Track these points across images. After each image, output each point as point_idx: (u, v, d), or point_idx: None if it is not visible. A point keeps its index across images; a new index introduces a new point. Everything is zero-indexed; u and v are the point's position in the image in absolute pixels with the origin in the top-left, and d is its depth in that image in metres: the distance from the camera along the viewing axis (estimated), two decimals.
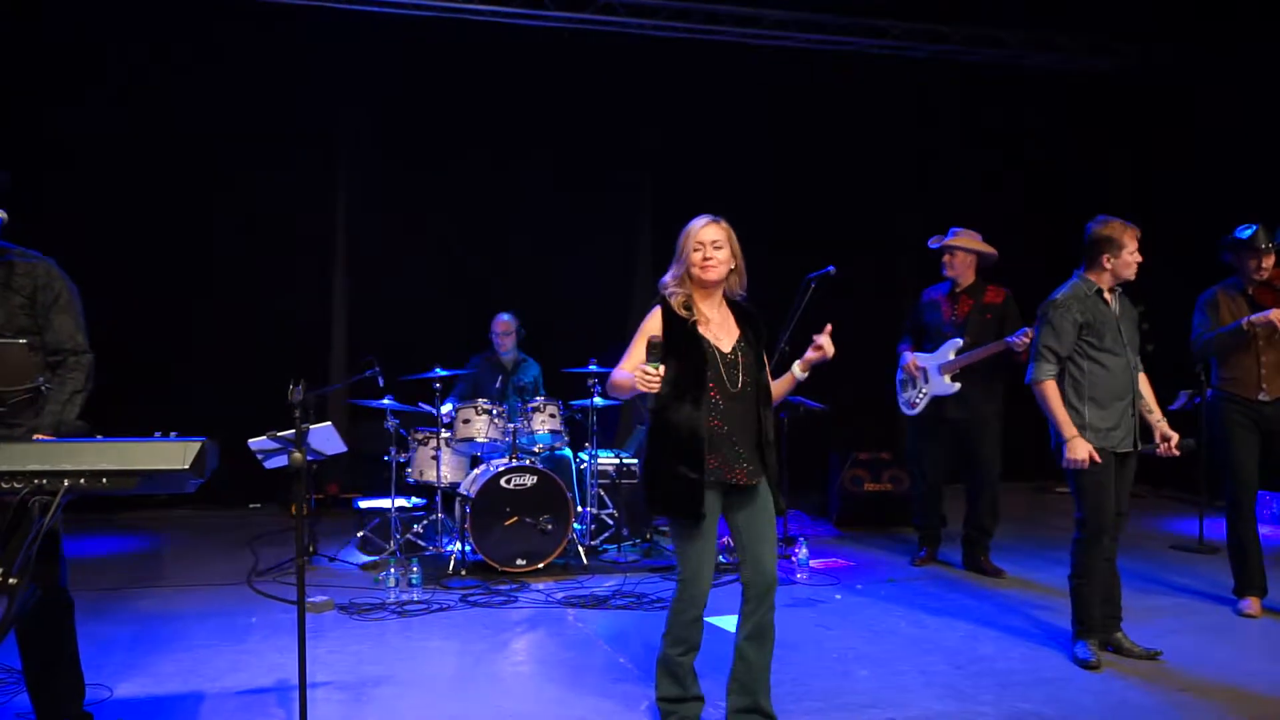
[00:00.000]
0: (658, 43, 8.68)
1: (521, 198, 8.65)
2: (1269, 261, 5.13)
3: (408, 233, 8.45)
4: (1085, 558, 4.58)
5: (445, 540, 6.47)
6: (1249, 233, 5.15)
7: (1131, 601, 5.49)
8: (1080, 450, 4.43)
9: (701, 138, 8.95)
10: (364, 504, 6.80)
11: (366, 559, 6.33)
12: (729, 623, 5.01)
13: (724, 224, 3.59)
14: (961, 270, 6.41)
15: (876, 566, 6.47)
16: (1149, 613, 5.37)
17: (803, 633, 4.97)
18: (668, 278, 3.62)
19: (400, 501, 6.62)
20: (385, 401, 6.28)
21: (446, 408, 6.50)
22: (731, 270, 3.59)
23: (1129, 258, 4.58)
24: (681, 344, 3.48)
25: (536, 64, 8.52)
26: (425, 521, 6.59)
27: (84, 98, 7.63)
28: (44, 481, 2.76)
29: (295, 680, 4.17)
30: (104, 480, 2.81)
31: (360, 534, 6.64)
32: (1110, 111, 9.77)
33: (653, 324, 3.53)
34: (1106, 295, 4.62)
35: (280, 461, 3.99)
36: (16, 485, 2.75)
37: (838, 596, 5.75)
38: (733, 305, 3.67)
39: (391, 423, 6.37)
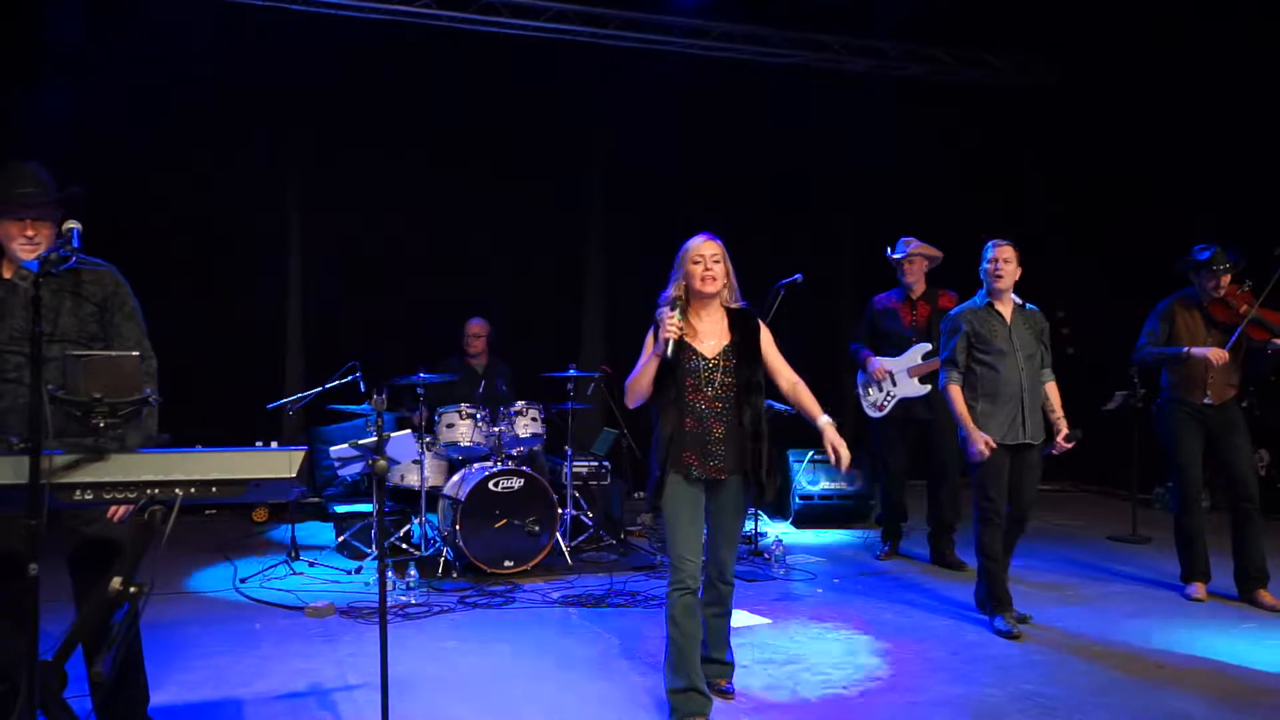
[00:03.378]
0: (610, 51, 8.85)
1: (477, 203, 8.70)
2: (1225, 281, 5.60)
3: (361, 236, 8.40)
4: (987, 540, 5.14)
5: (428, 543, 6.51)
6: (1208, 254, 5.61)
7: (1085, 589, 5.99)
8: (978, 442, 5.03)
9: (653, 145, 9.15)
10: (341, 509, 6.78)
11: (350, 564, 6.34)
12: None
13: (719, 242, 3.97)
14: (918, 277, 6.79)
15: (844, 562, 6.77)
16: (1104, 599, 5.80)
17: (800, 625, 5.23)
18: (669, 290, 3.96)
19: (370, 507, 6.64)
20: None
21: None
22: (724, 285, 3.97)
23: (988, 268, 5.22)
24: (673, 355, 3.84)
25: (492, 69, 8.60)
26: (408, 526, 6.61)
27: (39, 84, 7.38)
28: (157, 491, 2.80)
29: (327, 684, 4.30)
30: (214, 489, 2.86)
31: (340, 538, 6.64)
32: (1030, 123, 10.31)
33: (650, 339, 3.91)
34: (999, 307, 5.19)
35: (357, 469, 4.02)
36: (130, 495, 2.78)
37: (819, 590, 6.03)
38: (728, 311, 4.02)
39: (373, 428, 6.39)
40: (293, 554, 6.32)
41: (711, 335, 3.94)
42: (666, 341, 3.76)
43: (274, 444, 2.96)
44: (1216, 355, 5.54)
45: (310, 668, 4.52)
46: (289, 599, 5.60)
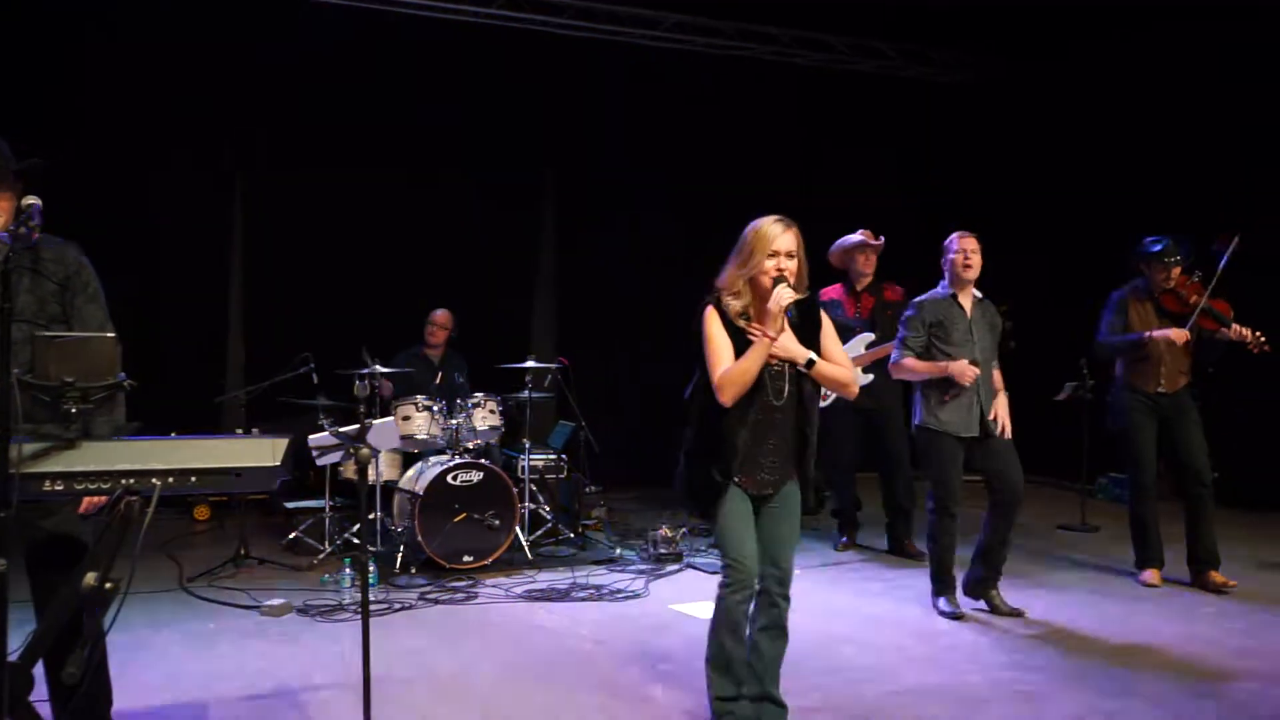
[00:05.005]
0: (561, 40, 8.74)
1: (424, 195, 8.52)
2: (1175, 272, 5.70)
3: (307, 229, 8.16)
4: (937, 526, 5.21)
5: (384, 539, 6.34)
6: (1159, 247, 5.71)
7: (1043, 577, 6.04)
8: (960, 366, 5.02)
9: (604, 135, 9.08)
10: (290, 505, 6.57)
11: (300, 560, 6.14)
12: (694, 609, 5.20)
13: (796, 228, 3.46)
14: (873, 267, 6.81)
15: (803, 554, 6.73)
16: (1063, 587, 5.87)
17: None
18: (725, 279, 3.50)
19: (321, 502, 6.45)
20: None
21: None
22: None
23: (954, 257, 5.18)
24: (736, 355, 3.43)
25: (440, 57, 8.42)
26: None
27: None
28: (132, 482, 2.64)
29: (293, 685, 4.14)
30: (193, 479, 2.71)
31: (291, 535, 6.43)
32: (971, 119, 10.44)
33: (717, 326, 3.46)
34: (961, 299, 5.20)
35: (334, 458, 3.85)
36: (104, 486, 2.62)
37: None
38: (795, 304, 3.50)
39: (326, 421, 6.19)
40: (242, 551, 6.10)
41: (786, 345, 3.45)
42: (786, 310, 3.33)
43: (255, 431, 2.82)
44: (1177, 334, 5.62)
45: (273, 668, 4.35)
46: (241, 598, 5.40)
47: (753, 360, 3.35)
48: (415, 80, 8.36)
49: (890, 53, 9.81)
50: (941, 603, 5.24)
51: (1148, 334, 5.71)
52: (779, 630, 3.63)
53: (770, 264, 3.38)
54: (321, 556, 6.14)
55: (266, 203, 8.13)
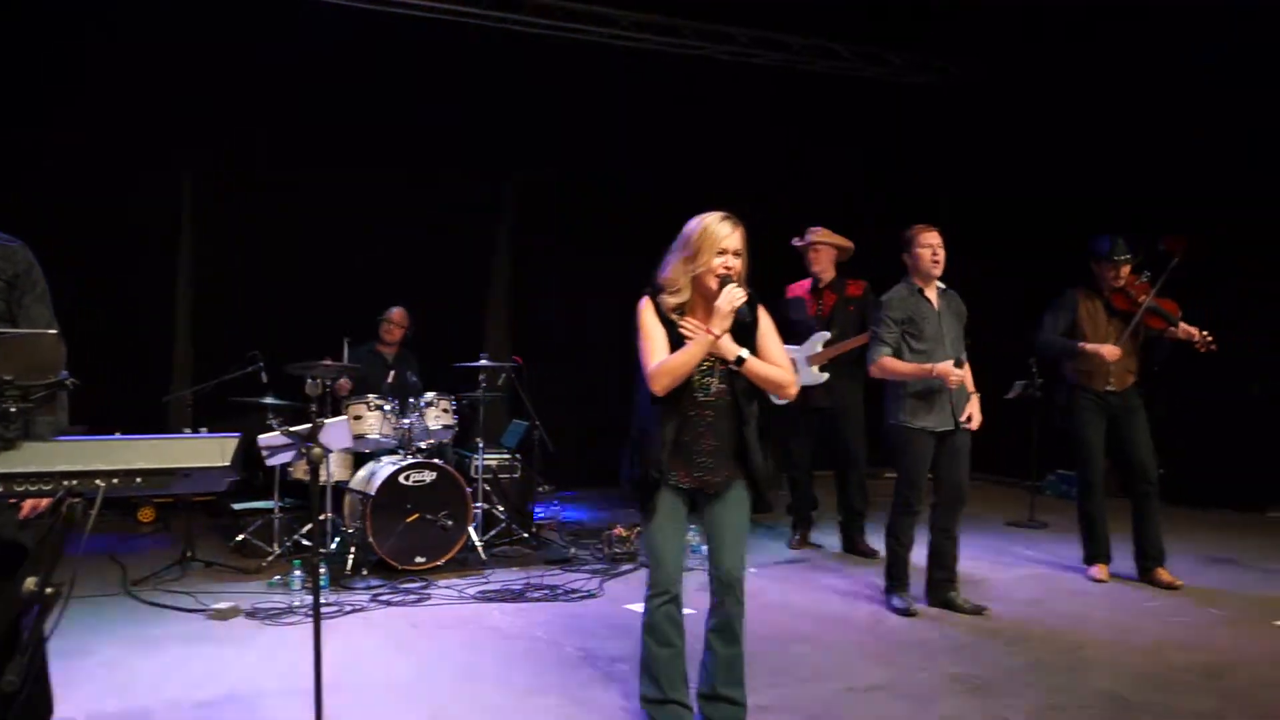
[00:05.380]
0: (518, 37, 8.68)
1: (377, 192, 8.42)
2: (1125, 271, 5.79)
3: (257, 226, 8.03)
4: (899, 523, 5.24)
5: (334, 540, 6.25)
6: (1108, 246, 5.79)
7: (993, 573, 6.12)
8: (945, 367, 5.00)
9: (560, 133, 9.02)
10: (238, 506, 6.46)
11: (248, 563, 6.04)
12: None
13: (742, 225, 3.43)
14: (825, 265, 6.83)
15: (757, 552, 6.75)
16: (1013, 582, 5.95)
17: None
18: (667, 273, 3.44)
19: (269, 504, 6.35)
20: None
21: None
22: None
23: (921, 252, 5.18)
24: (669, 350, 3.41)
25: (393, 55, 8.31)
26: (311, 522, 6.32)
27: None
28: (75, 483, 2.56)
29: (243, 689, 4.07)
30: (139, 480, 2.63)
31: (239, 537, 6.31)
32: (931, 120, 10.54)
33: (651, 317, 3.44)
34: (928, 293, 5.21)
35: (284, 458, 3.76)
36: (45, 488, 2.54)
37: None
38: None
39: (275, 420, 6.09)
40: (188, 554, 5.98)
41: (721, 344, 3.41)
42: (737, 309, 3.29)
43: (204, 430, 2.75)
44: (1110, 352, 5.72)
45: (221, 673, 4.26)
46: (188, 601, 5.29)
47: (692, 354, 3.34)
48: (367, 79, 8.24)
49: (846, 54, 9.87)
50: (895, 599, 5.27)
51: (1081, 346, 5.79)
52: (730, 634, 3.58)
53: (718, 262, 3.35)
54: (270, 559, 6.04)
55: (216, 199, 8.00)
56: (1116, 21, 8.56)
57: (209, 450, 2.71)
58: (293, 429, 3.68)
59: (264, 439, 3.70)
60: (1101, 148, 8.83)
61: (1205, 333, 5.66)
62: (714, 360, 3.44)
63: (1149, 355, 5.95)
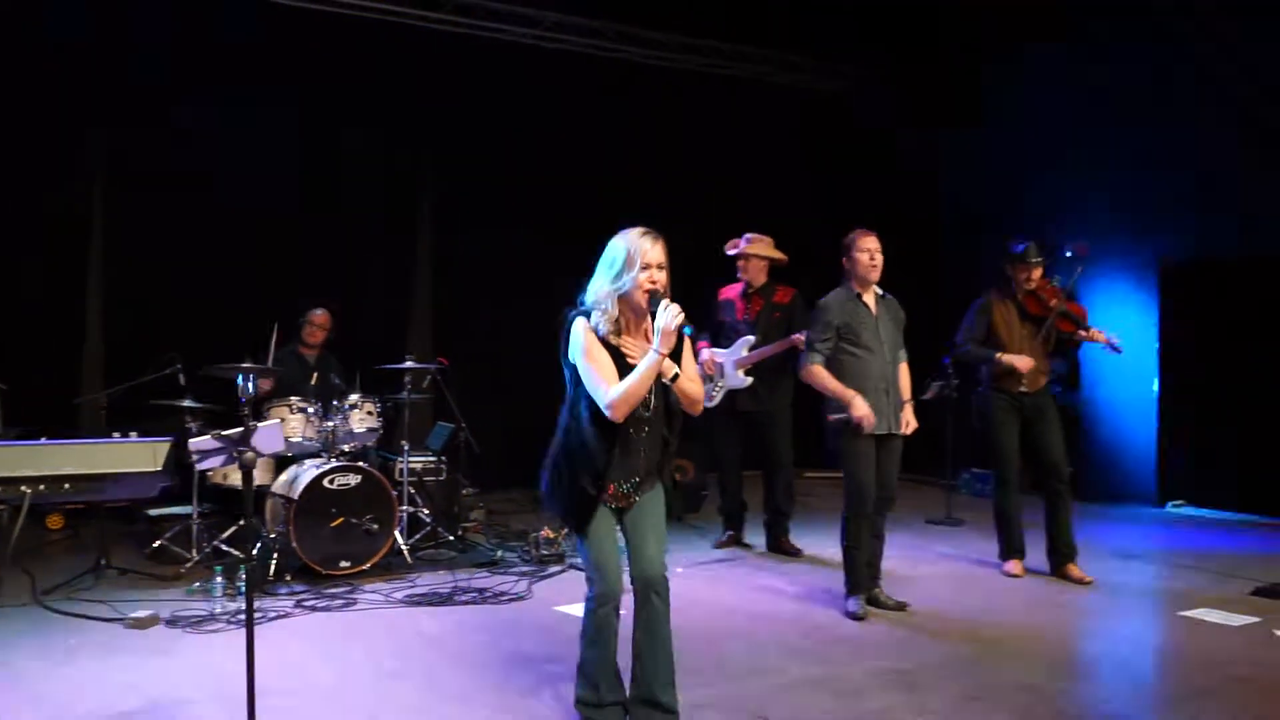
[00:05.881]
0: (440, 36, 8.62)
1: (297, 193, 8.27)
2: (1037, 274, 5.99)
3: (172, 224, 7.80)
4: (853, 526, 5.26)
5: (256, 545, 6.11)
6: (1022, 249, 5.98)
7: (912, 570, 6.26)
8: (862, 407, 5.04)
9: (484, 133, 8.98)
10: (154, 512, 6.28)
11: (166, 570, 5.88)
12: (578, 610, 5.19)
13: (663, 240, 3.47)
14: (755, 273, 6.91)
15: (684, 551, 6.81)
16: (933, 578, 6.12)
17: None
18: (598, 293, 3.46)
19: (187, 509, 6.19)
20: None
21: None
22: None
23: (859, 256, 5.22)
24: (617, 374, 3.42)
25: (313, 52, 8.18)
26: (234, 528, 6.17)
27: None
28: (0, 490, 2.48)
29: (165, 699, 3.98)
30: (67, 485, 2.57)
31: (156, 544, 6.14)
32: (843, 126, 10.74)
33: (594, 342, 3.42)
34: (866, 298, 5.28)
35: (215, 462, 3.65)
36: None
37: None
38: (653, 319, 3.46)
39: (194, 424, 5.95)
40: (102, 561, 5.80)
41: (642, 350, 3.43)
42: (682, 327, 3.30)
43: (133, 434, 2.69)
44: (1024, 363, 5.91)
45: (142, 683, 4.15)
46: (104, 610, 5.12)
47: (647, 377, 3.34)
48: (284, 77, 8.09)
49: (763, 59, 10.01)
50: (851, 603, 5.23)
51: (998, 356, 5.96)
52: (658, 633, 3.61)
53: (643, 277, 3.39)
54: (189, 565, 5.89)
55: (129, 197, 7.74)
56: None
57: (140, 454, 2.68)
58: (224, 433, 3.60)
59: (195, 443, 3.61)
60: (1016, 150, 9.11)
61: (1113, 335, 5.88)
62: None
63: (1059, 357, 6.16)
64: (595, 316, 3.45)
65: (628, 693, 3.67)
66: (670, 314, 3.32)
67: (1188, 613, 5.28)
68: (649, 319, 3.46)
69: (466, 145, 8.95)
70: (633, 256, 3.39)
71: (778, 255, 6.91)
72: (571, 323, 3.47)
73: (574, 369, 3.47)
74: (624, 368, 3.41)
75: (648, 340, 3.45)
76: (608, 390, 3.35)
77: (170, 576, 5.78)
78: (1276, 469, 7.28)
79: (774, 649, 4.70)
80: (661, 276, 3.41)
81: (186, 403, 5.87)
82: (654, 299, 3.37)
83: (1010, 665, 4.46)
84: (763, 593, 5.76)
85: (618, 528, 3.64)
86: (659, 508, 3.64)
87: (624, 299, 3.44)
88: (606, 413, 3.37)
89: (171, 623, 4.96)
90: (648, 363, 3.34)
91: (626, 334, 3.49)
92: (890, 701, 4.02)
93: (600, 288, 3.46)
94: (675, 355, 3.48)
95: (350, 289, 8.23)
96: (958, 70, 9.72)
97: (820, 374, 5.20)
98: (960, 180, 9.97)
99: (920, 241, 9.67)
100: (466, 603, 5.44)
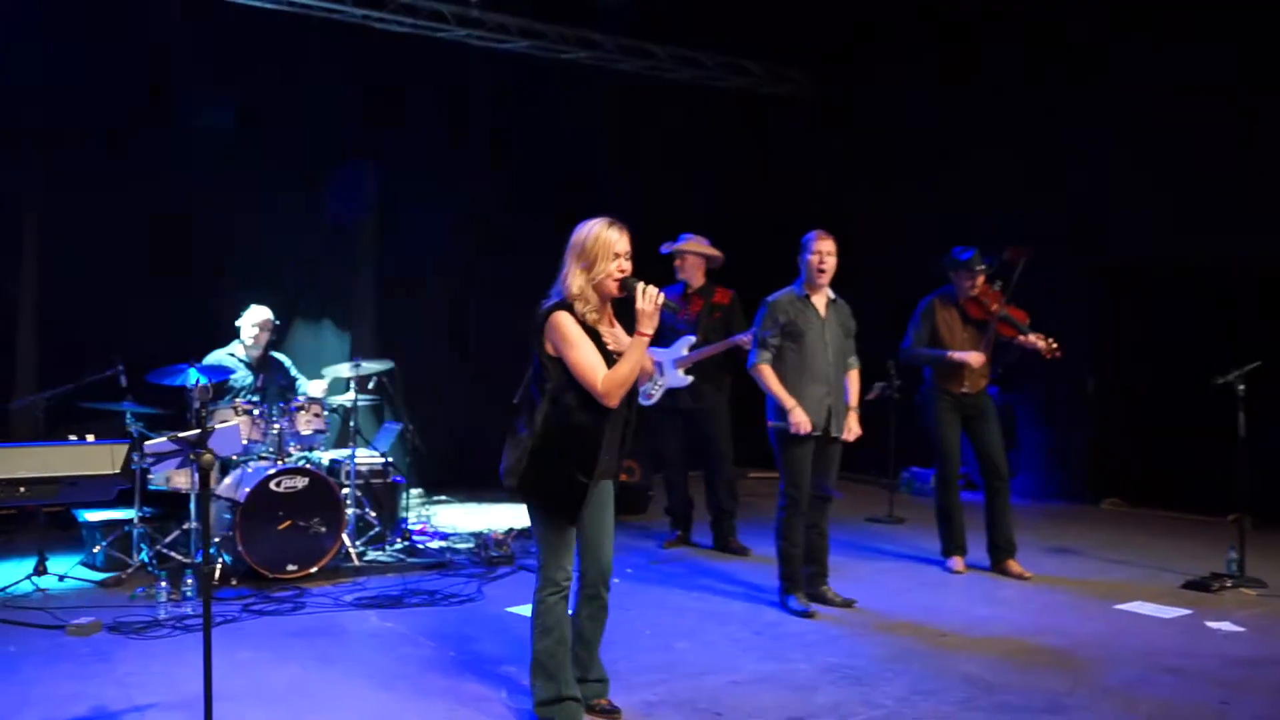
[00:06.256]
0: (382, 35, 8.55)
1: (240, 192, 8.14)
2: (980, 280, 6.13)
3: (111, 225, 7.62)
4: (788, 524, 5.34)
5: (199, 550, 6.02)
6: (967, 255, 6.11)
7: (857, 566, 6.38)
8: (799, 415, 5.14)
9: (427, 133, 8.94)
10: (91, 516, 6.14)
11: (107, 575, 5.76)
12: (529, 611, 5.20)
13: (626, 228, 3.63)
14: (692, 273, 6.98)
15: (633, 552, 6.85)
16: (878, 575, 6.23)
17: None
18: (572, 287, 3.58)
19: (127, 513, 6.08)
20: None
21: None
22: None
23: (810, 258, 5.32)
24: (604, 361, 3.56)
25: (260, 47, 8.08)
26: (178, 532, 6.06)
27: None
28: None
29: (112, 707, 3.93)
30: (22, 490, 2.53)
31: (95, 549, 6.01)
32: (798, 130, 10.85)
33: (579, 331, 3.54)
34: (815, 299, 5.36)
35: (171, 465, 3.57)
36: None
37: (616, 580, 6.06)
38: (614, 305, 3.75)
39: (135, 427, 5.83)
40: (40, 568, 5.67)
41: (622, 339, 3.67)
42: (660, 303, 3.51)
43: (90, 437, 2.66)
44: (975, 359, 6.05)
45: (88, 690, 4.07)
46: (43, 617, 5.01)
47: (636, 360, 3.53)
48: (236, 74, 7.97)
49: (708, 63, 10.09)
50: (792, 601, 5.32)
51: (949, 354, 6.10)
52: (603, 616, 3.87)
53: (614, 267, 3.57)
54: (131, 570, 5.78)
55: (66, 196, 7.55)
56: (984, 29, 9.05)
57: (98, 457, 2.64)
58: (181, 435, 3.54)
59: (151, 445, 3.54)
60: (960, 156, 9.29)
61: (1051, 340, 6.04)
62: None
63: (1000, 360, 6.31)
64: (579, 307, 3.57)
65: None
66: (649, 296, 3.51)
67: (1122, 606, 5.46)
68: (610, 306, 3.70)
69: (409, 145, 8.90)
70: (604, 247, 3.57)
71: (712, 251, 6.98)
72: (550, 316, 3.56)
73: (554, 360, 3.57)
74: (604, 355, 3.56)
75: (612, 325, 3.68)
76: (601, 377, 3.49)
77: (112, 583, 5.68)
78: (1204, 468, 7.50)
79: (725, 647, 4.76)
80: (629, 265, 3.61)
81: (128, 406, 5.75)
82: (625, 285, 3.55)
83: (955, 659, 4.57)
84: (712, 592, 5.82)
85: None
86: (611, 503, 3.83)
87: (597, 289, 3.60)
88: (602, 400, 3.50)
89: (115, 629, 4.87)
90: (637, 346, 3.51)
91: (608, 324, 3.66)
92: (841, 696, 4.10)
93: (576, 280, 3.59)
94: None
95: (293, 290, 8.13)
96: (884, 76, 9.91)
97: (767, 374, 5.28)
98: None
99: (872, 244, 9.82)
100: (417, 605, 5.43)
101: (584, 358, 3.51)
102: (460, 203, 9.11)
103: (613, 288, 3.58)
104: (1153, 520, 8.03)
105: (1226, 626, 5.08)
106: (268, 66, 8.14)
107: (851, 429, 5.46)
